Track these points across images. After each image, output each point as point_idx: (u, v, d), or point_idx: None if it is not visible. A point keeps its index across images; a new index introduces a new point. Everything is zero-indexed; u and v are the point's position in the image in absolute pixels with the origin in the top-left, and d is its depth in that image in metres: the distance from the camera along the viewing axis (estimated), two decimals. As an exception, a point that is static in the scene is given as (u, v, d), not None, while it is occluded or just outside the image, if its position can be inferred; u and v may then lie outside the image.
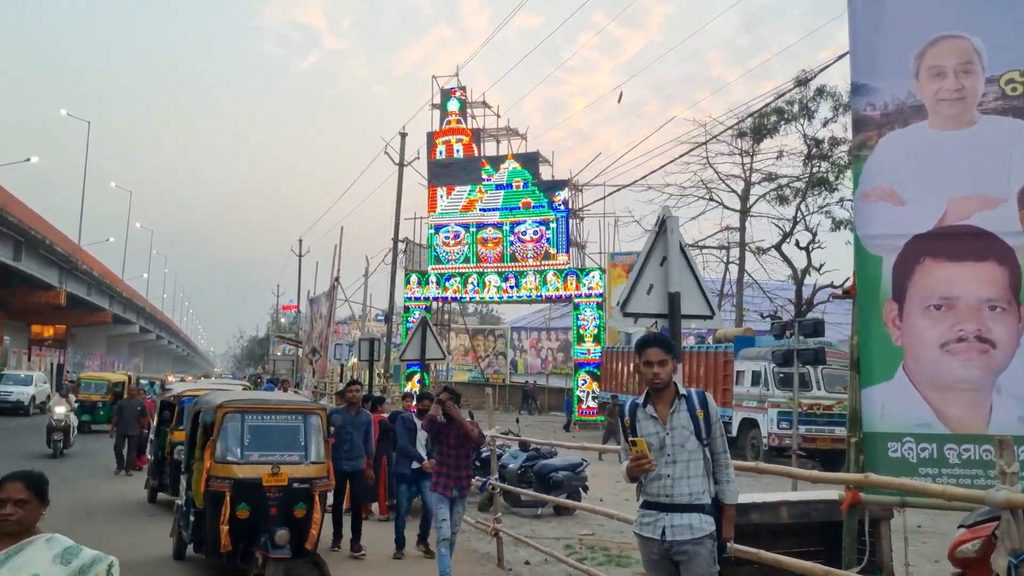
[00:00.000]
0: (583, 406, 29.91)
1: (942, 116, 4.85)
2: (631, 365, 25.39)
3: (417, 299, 32.04)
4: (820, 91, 24.86)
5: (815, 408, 18.02)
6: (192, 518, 7.53)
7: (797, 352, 13.39)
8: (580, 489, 11.88)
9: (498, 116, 34.37)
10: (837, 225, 25.12)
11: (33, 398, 30.44)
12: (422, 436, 8.75)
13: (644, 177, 30.95)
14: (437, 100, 33.99)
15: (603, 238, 44.62)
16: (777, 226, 27.47)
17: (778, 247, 27.23)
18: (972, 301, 4.69)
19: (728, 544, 4.01)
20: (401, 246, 31.80)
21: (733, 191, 29.50)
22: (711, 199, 29.54)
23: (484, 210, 31.50)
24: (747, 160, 28.89)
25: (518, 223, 30.99)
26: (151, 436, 13.31)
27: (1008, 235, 4.66)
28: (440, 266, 32.07)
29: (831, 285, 23.81)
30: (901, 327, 4.80)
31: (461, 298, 33.73)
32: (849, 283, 5.13)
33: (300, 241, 50.26)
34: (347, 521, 8.81)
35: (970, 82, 4.80)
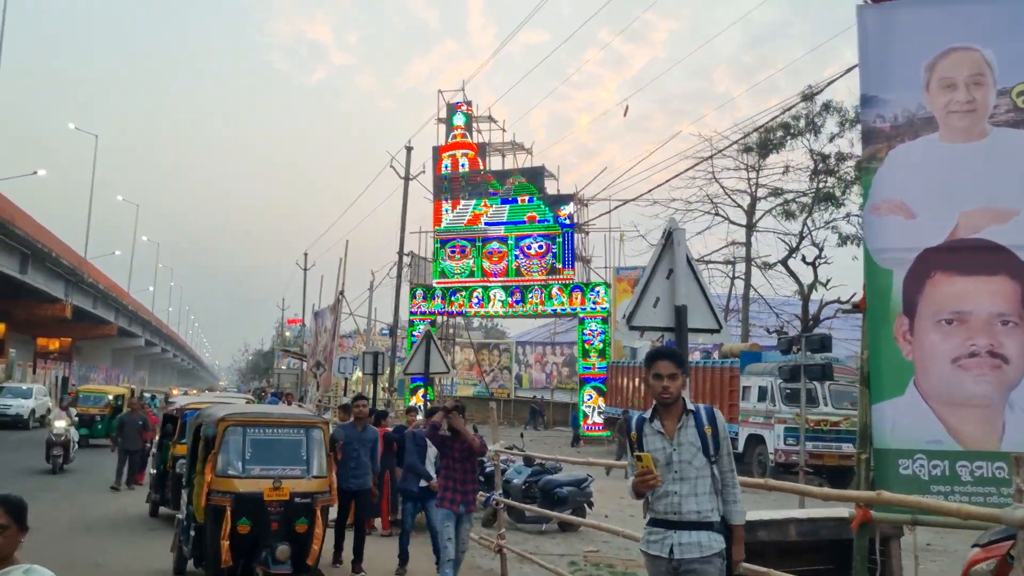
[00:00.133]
0: (588, 421, 29.79)
1: (953, 128, 4.79)
2: (636, 380, 25.29)
3: (422, 313, 32.05)
4: (827, 106, 24.92)
5: (822, 424, 17.93)
6: (193, 532, 7.46)
7: (804, 368, 13.31)
8: (585, 505, 11.78)
9: (503, 130, 34.57)
10: (844, 240, 25.11)
11: (33, 411, 29.43)
12: (431, 453, 8.68)
13: (649, 191, 31.46)
14: (443, 114, 34.17)
15: (608, 253, 44.23)
16: (783, 241, 27.52)
17: (784, 262, 27.20)
18: (984, 316, 4.61)
19: (739, 565, 3.94)
20: (406, 260, 31.82)
21: (739, 206, 29.50)
22: (717, 214, 29.58)
23: (489, 224, 31.57)
24: (753, 175, 28.90)
25: (523, 237, 31.04)
26: (153, 450, 13.23)
27: (1020, 249, 4.59)
28: (445, 280, 32.10)
29: (838, 300, 23.71)
30: (912, 342, 4.73)
31: (466, 312, 33.76)
32: (858, 297, 5.06)
33: (305, 255, 50.53)
34: (349, 535, 8.72)
35: (981, 94, 4.75)
